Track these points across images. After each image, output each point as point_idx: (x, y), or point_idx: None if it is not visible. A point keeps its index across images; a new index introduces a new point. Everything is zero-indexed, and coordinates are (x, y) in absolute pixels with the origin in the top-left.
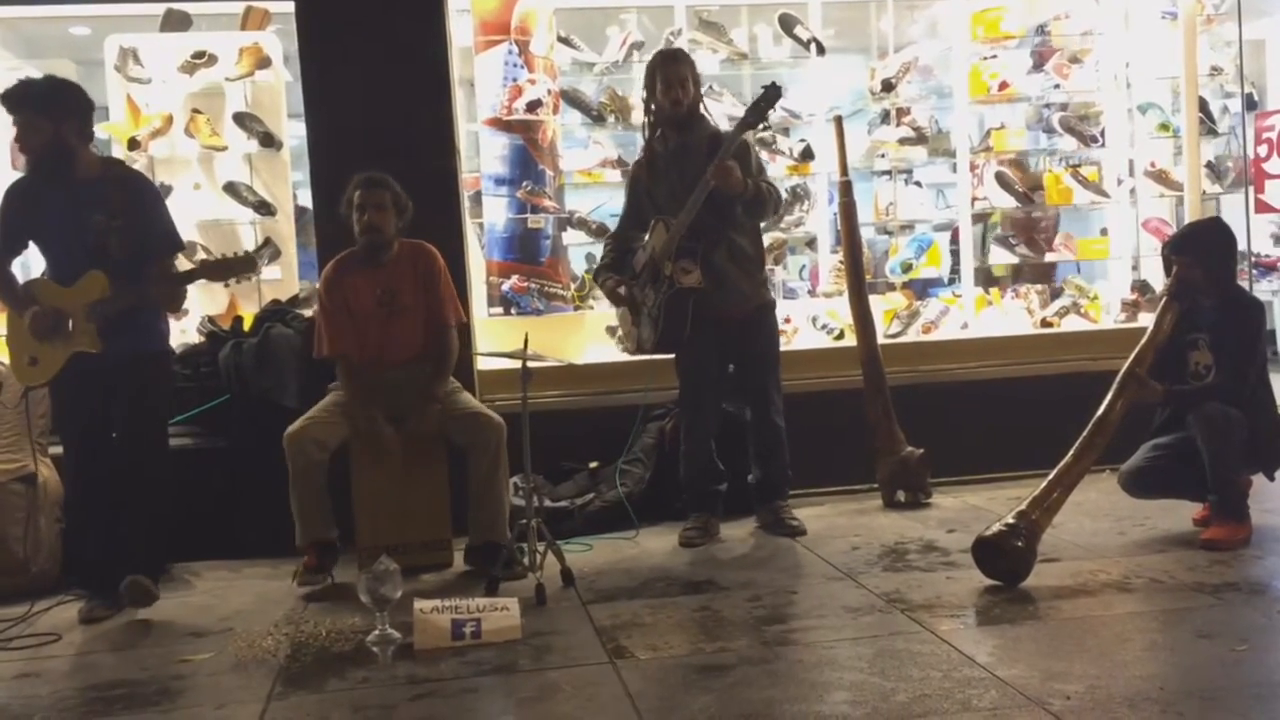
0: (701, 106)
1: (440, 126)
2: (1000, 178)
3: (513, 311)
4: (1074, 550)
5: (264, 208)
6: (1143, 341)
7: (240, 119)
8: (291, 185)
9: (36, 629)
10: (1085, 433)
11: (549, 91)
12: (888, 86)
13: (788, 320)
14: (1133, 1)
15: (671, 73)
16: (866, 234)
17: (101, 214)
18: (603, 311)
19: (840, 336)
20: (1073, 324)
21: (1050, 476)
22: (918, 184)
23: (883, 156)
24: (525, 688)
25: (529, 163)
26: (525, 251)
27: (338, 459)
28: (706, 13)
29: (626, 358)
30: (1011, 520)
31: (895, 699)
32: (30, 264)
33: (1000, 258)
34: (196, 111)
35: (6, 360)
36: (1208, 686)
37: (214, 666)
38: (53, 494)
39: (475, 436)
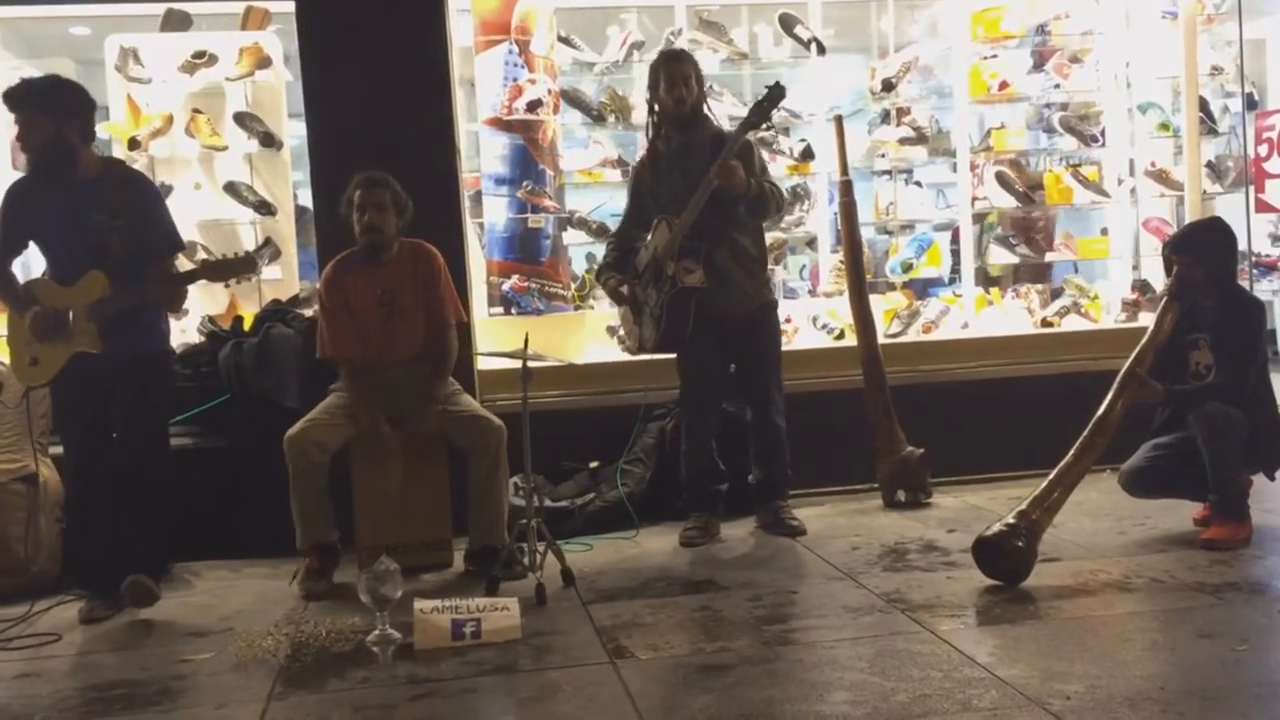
0: (705, 106)
1: (440, 126)
2: (1000, 177)
3: (513, 311)
4: (1074, 550)
5: (264, 208)
6: (1143, 341)
7: (241, 119)
8: (292, 185)
9: (37, 629)
10: (1086, 432)
11: (549, 91)
12: (888, 86)
13: (788, 320)
14: (1133, 1)
15: (675, 72)
16: (867, 234)
17: (102, 214)
18: (603, 311)
19: (840, 336)
20: (1073, 324)
21: (1051, 476)
22: (918, 184)
23: (883, 156)
24: (525, 688)
25: (529, 162)
26: (525, 251)
27: (338, 461)
28: (707, 12)
29: (627, 358)
30: (1012, 520)
31: (895, 699)
32: (30, 264)
33: (1000, 257)
34: (197, 111)
35: (7, 360)
36: (1208, 686)
37: (214, 666)
38: (53, 494)
39: (475, 439)
